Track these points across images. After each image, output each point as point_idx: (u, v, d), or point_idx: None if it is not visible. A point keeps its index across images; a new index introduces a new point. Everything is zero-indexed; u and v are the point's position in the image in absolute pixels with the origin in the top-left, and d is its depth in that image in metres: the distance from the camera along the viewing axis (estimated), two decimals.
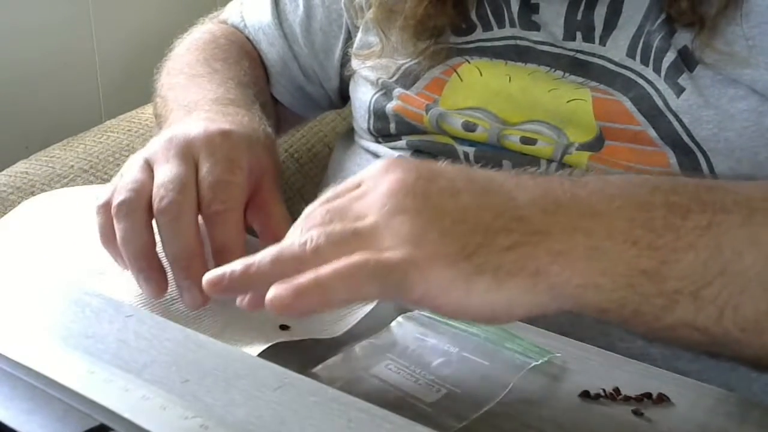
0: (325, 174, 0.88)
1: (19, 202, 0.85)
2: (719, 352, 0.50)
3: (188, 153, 0.61)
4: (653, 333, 0.48)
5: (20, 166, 0.94)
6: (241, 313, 0.57)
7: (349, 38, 0.84)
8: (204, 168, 0.60)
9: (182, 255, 0.56)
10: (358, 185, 0.49)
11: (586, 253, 0.44)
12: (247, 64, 0.86)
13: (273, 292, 0.43)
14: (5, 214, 0.83)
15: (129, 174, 0.60)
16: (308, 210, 0.49)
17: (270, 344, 0.52)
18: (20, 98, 1.19)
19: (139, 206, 0.58)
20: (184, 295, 0.56)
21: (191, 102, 0.73)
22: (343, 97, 0.91)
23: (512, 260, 0.43)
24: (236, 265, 0.46)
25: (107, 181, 0.89)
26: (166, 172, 0.59)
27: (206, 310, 0.57)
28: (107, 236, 0.59)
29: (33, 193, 0.88)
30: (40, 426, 0.39)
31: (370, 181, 0.48)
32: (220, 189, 0.59)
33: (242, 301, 0.49)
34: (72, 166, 0.93)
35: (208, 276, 0.47)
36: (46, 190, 0.89)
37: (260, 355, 0.50)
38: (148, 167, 0.60)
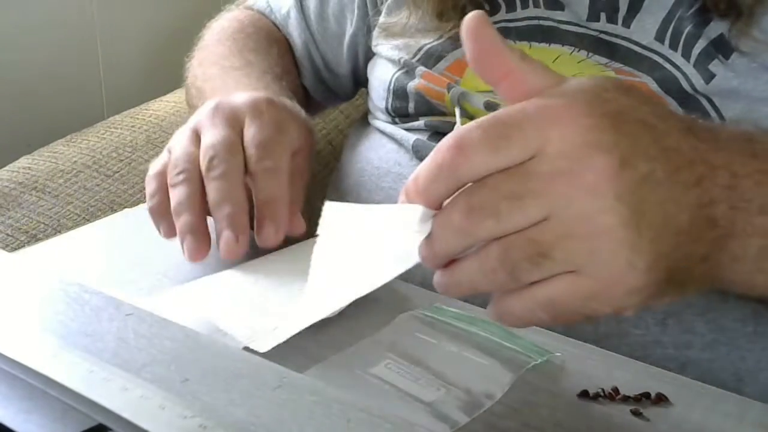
0: (334, 169, 0.87)
1: (21, 198, 0.85)
2: None
3: (234, 118, 0.62)
4: None
5: (23, 162, 0.93)
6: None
7: (360, 23, 0.84)
8: (251, 130, 0.61)
9: (232, 210, 0.58)
10: (533, 150, 0.41)
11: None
12: (276, 51, 0.86)
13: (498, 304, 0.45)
14: (7, 209, 0.83)
15: (179, 147, 0.61)
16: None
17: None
18: (23, 96, 1.19)
19: (195, 176, 0.59)
20: (224, 244, 0.58)
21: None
22: (355, 84, 0.91)
23: (703, 272, 0.45)
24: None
25: (110, 176, 0.89)
26: (213, 136, 0.60)
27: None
28: (159, 204, 0.61)
29: (35, 189, 0.88)
30: (39, 425, 0.39)
31: (562, 159, 0.41)
32: (270, 147, 0.60)
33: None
34: (75, 161, 0.93)
35: None
36: (48, 186, 0.88)
37: (259, 354, 0.51)
38: (196, 137, 0.62)
